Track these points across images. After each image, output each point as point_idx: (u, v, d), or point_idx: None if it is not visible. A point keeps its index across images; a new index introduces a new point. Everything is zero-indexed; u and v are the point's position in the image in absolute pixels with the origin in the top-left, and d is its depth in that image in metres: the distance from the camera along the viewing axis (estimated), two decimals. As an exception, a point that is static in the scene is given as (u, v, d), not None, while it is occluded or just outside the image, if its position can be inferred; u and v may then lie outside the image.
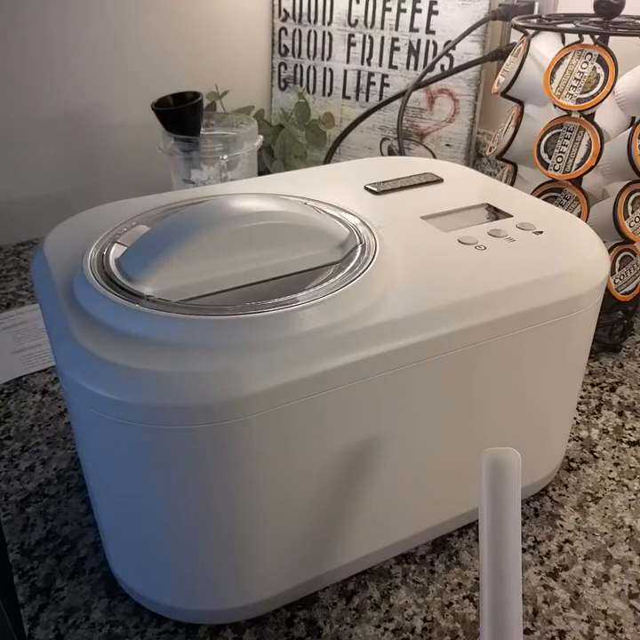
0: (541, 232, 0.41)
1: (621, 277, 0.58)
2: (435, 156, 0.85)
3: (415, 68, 0.84)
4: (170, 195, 0.46)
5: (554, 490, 0.46)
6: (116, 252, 0.37)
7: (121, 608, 0.38)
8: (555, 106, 0.54)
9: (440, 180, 0.49)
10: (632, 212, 0.56)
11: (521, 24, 0.57)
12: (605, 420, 0.53)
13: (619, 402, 0.55)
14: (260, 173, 0.78)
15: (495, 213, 0.44)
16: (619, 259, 0.58)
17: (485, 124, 0.84)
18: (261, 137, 0.67)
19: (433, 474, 0.38)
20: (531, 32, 0.58)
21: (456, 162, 0.84)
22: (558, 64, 0.53)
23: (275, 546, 0.34)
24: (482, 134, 0.84)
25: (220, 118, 0.70)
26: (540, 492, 0.46)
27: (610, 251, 0.57)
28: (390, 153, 0.85)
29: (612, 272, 0.57)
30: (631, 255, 0.58)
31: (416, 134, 0.85)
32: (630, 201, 0.56)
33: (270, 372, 0.29)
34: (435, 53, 0.82)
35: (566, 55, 0.52)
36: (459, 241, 0.39)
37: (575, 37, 0.54)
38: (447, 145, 0.84)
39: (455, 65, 0.79)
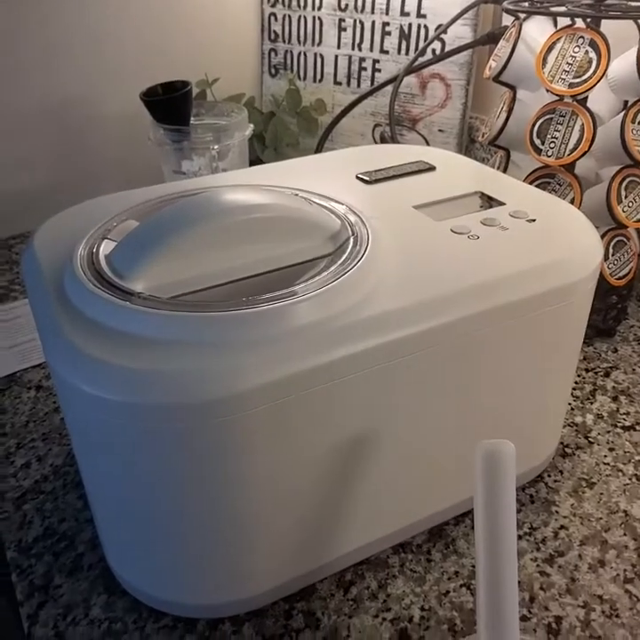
0: (534, 220, 0.41)
1: (615, 262, 0.58)
2: (427, 142, 0.84)
3: (406, 53, 0.83)
4: (160, 187, 0.45)
5: (549, 476, 0.46)
6: (106, 247, 0.36)
7: (120, 604, 0.38)
8: (547, 91, 0.54)
9: (433, 168, 0.49)
10: (625, 197, 0.55)
11: (512, 8, 0.56)
12: (600, 406, 0.53)
13: (613, 387, 0.55)
14: (252, 162, 0.77)
15: (488, 201, 0.44)
16: (612, 244, 0.58)
17: (478, 109, 0.83)
18: (252, 126, 0.67)
19: (429, 463, 0.38)
20: (522, 16, 0.57)
21: (449, 147, 0.84)
22: (550, 48, 0.52)
23: (273, 539, 0.34)
24: (474, 119, 0.84)
25: (210, 107, 0.69)
26: (536, 479, 0.46)
27: (603, 236, 0.57)
28: (382, 139, 0.85)
29: (606, 257, 0.57)
30: (625, 240, 0.58)
31: (408, 120, 0.85)
32: (623, 185, 0.55)
33: (266, 367, 0.29)
34: (426, 38, 0.81)
35: (558, 39, 0.52)
36: (451, 230, 0.39)
37: (567, 21, 0.53)
38: (440, 130, 0.83)
39: (447, 49, 0.78)
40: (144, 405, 0.28)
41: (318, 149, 0.77)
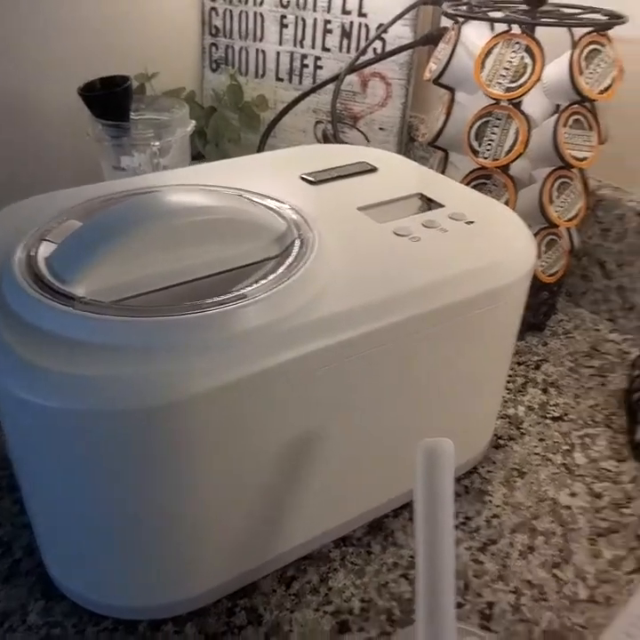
0: (472, 222, 0.42)
1: (547, 260, 0.60)
2: (368, 140, 0.85)
3: (348, 51, 0.83)
4: (101, 186, 0.45)
5: (483, 467, 0.48)
6: (45, 249, 0.35)
7: (58, 608, 0.37)
8: (485, 94, 0.55)
9: (374, 170, 0.50)
10: (557, 197, 0.58)
11: (451, 12, 0.57)
12: (531, 398, 0.55)
13: (543, 379, 0.58)
14: (193, 157, 0.76)
15: (428, 203, 0.45)
16: (544, 242, 0.60)
17: (418, 108, 0.85)
18: (194, 122, 0.66)
19: (371, 459, 0.39)
20: (461, 20, 0.58)
21: (389, 145, 0.85)
22: (488, 53, 0.54)
23: (216, 539, 0.35)
24: (414, 118, 0.85)
25: (150, 102, 0.68)
26: (470, 470, 0.48)
27: (536, 234, 0.59)
28: (325, 137, 0.85)
29: (539, 256, 0.60)
30: (556, 239, 0.60)
31: (349, 117, 0.85)
32: (555, 186, 0.58)
33: (215, 371, 0.29)
34: (367, 36, 0.82)
35: (496, 45, 0.53)
36: (394, 232, 0.40)
37: (504, 26, 0.55)
38: (380, 128, 0.84)
39: (387, 48, 0.79)
40: (87, 412, 0.28)
41: (261, 146, 0.77)
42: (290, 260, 0.35)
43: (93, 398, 0.28)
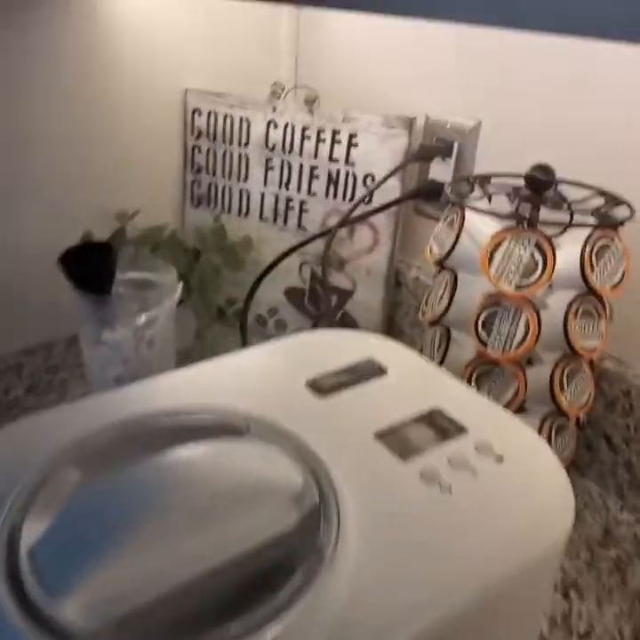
0: (502, 458, 0.38)
1: (558, 446, 0.58)
2: (355, 283, 0.83)
3: (334, 197, 0.82)
4: (83, 407, 0.40)
5: None
6: (29, 529, 0.30)
7: None
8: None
9: (384, 371, 0.46)
10: (567, 385, 0.55)
11: (454, 199, 0.56)
12: (553, 606, 0.51)
13: (561, 577, 0.54)
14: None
15: (449, 424, 0.41)
16: (554, 428, 0.57)
17: (404, 252, 0.84)
18: (180, 286, 0.62)
19: None
20: (464, 203, 0.57)
21: (376, 290, 0.83)
22: (496, 246, 0.52)
23: None
24: (401, 262, 0.84)
25: (132, 260, 0.64)
26: None
27: (545, 419, 0.57)
28: (312, 279, 0.83)
29: (549, 442, 0.57)
30: (566, 423, 0.58)
31: (337, 261, 0.83)
32: (565, 374, 0.55)
33: None
34: (354, 184, 0.81)
35: (504, 239, 0.52)
36: (420, 476, 0.36)
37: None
38: (367, 274, 0.83)
39: (374, 197, 0.78)
40: None
41: (248, 299, 0.73)
42: (313, 545, 0.31)
43: None
